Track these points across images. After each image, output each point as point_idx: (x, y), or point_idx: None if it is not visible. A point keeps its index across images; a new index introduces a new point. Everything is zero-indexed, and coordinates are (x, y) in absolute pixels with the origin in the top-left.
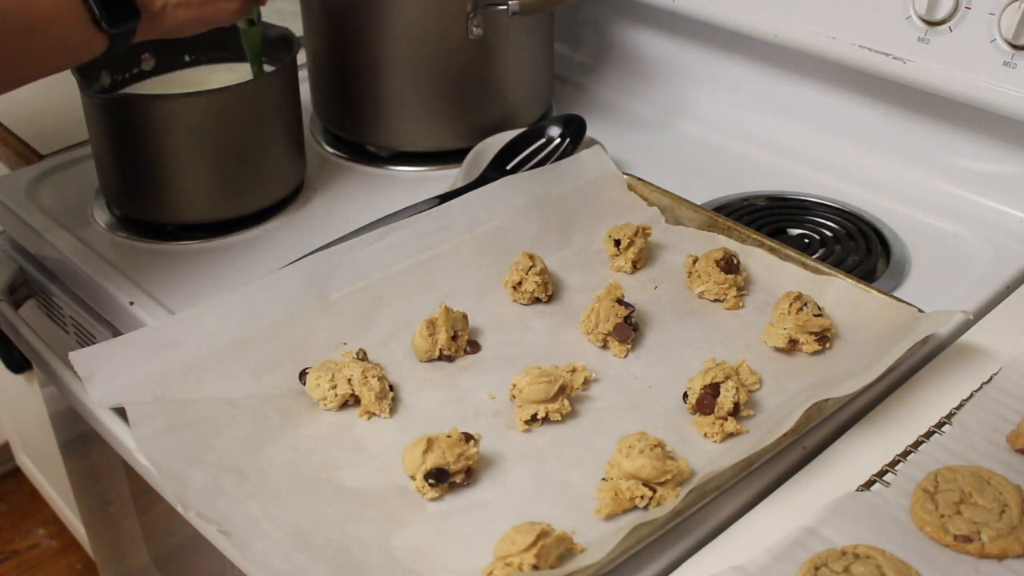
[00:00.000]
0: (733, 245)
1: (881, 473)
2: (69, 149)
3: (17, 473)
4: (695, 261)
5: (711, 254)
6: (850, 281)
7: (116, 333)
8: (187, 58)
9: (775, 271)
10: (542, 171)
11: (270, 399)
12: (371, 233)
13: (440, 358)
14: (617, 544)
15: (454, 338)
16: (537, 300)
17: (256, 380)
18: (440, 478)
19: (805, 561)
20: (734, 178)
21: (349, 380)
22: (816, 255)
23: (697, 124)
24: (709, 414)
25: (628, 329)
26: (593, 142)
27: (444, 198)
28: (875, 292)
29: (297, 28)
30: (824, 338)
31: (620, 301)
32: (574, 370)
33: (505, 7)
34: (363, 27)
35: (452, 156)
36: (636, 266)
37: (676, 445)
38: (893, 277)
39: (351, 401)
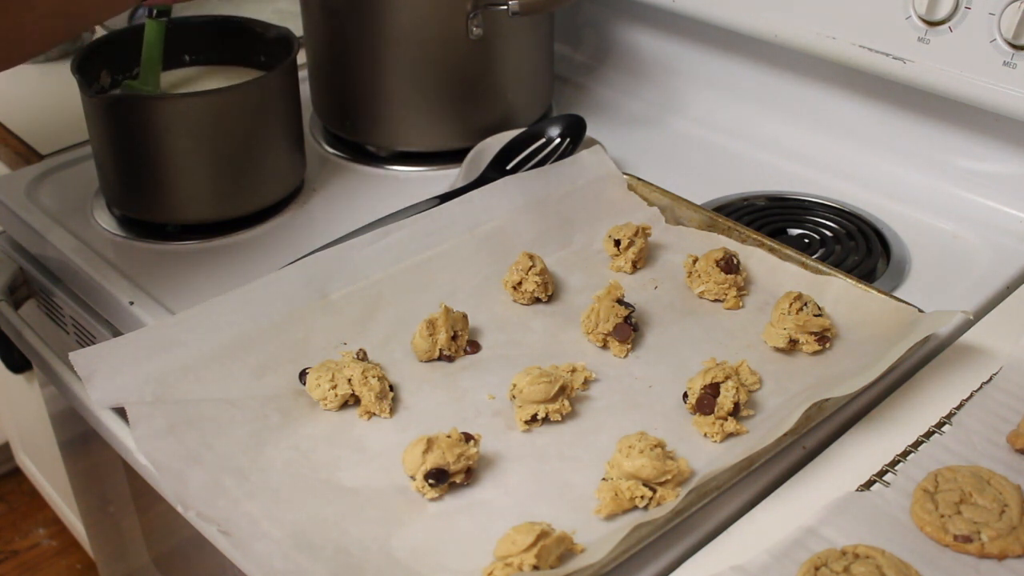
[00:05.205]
0: (733, 245)
1: (881, 473)
2: (69, 149)
3: (17, 473)
4: (695, 261)
5: (711, 254)
6: (850, 281)
7: (116, 333)
8: (187, 58)
9: (775, 271)
10: (542, 171)
11: (270, 399)
12: (371, 233)
13: (440, 358)
14: (617, 544)
15: (454, 338)
16: (537, 300)
17: (256, 380)
18: (440, 478)
19: (805, 561)
20: (734, 178)
21: (349, 380)
22: (816, 255)
23: (697, 124)
24: (709, 414)
25: (628, 329)
26: (593, 142)
27: (444, 198)
28: (875, 292)
29: (297, 28)
30: (824, 338)
31: (620, 301)
32: (574, 370)
33: (505, 7)
34: (363, 27)
35: (452, 156)
36: (636, 266)
37: (676, 445)
38: (893, 277)
39: (351, 401)
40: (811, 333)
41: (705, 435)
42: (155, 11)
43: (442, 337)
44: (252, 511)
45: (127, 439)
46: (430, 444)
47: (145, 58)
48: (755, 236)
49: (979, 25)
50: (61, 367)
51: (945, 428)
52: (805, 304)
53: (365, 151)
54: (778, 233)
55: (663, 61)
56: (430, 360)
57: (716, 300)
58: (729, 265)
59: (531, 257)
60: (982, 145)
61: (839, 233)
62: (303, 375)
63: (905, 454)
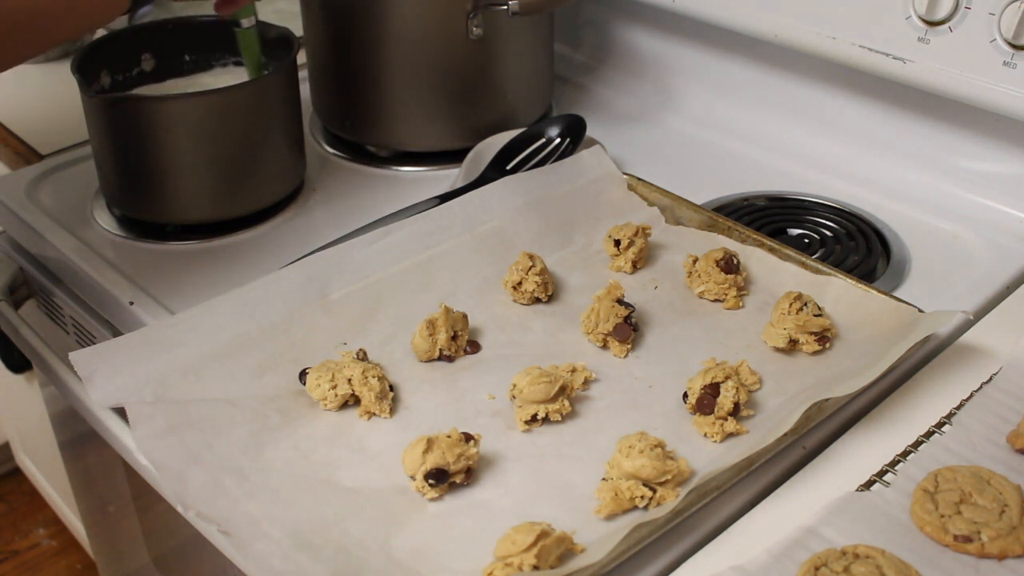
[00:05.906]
0: (733, 245)
1: (881, 473)
2: (69, 149)
3: (17, 473)
4: (695, 261)
5: (711, 254)
6: (850, 281)
7: (116, 333)
8: (187, 58)
9: (775, 271)
10: (542, 171)
11: (270, 399)
12: (371, 233)
13: (440, 358)
14: (617, 544)
15: (454, 338)
16: (537, 300)
17: (256, 380)
18: (440, 478)
19: (805, 561)
20: (734, 178)
21: (349, 380)
22: (816, 255)
23: (697, 124)
24: (709, 414)
25: (628, 329)
26: (593, 142)
27: (444, 198)
28: (875, 292)
29: (297, 28)
30: (824, 338)
31: (620, 301)
32: (574, 370)
33: (505, 7)
34: (363, 27)
35: (452, 156)
36: (636, 266)
37: (676, 445)
38: (893, 277)
39: (351, 401)
40: (811, 333)
41: (705, 435)
42: (235, 21)
43: (442, 337)
44: (252, 511)
45: (127, 439)
46: (430, 444)
47: (248, 64)
48: (755, 236)
49: (979, 25)
50: (61, 367)
51: (945, 428)
52: (805, 304)
53: (365, 151)
54: (778, 233)
55: (663, 61)
56: (430, 360)
57: (716, 300)
58: (729, 265)
59: (531, 257)
60: (982, 145)
61: (839, 233)
62: (303, 375)
63: (905, 454)
